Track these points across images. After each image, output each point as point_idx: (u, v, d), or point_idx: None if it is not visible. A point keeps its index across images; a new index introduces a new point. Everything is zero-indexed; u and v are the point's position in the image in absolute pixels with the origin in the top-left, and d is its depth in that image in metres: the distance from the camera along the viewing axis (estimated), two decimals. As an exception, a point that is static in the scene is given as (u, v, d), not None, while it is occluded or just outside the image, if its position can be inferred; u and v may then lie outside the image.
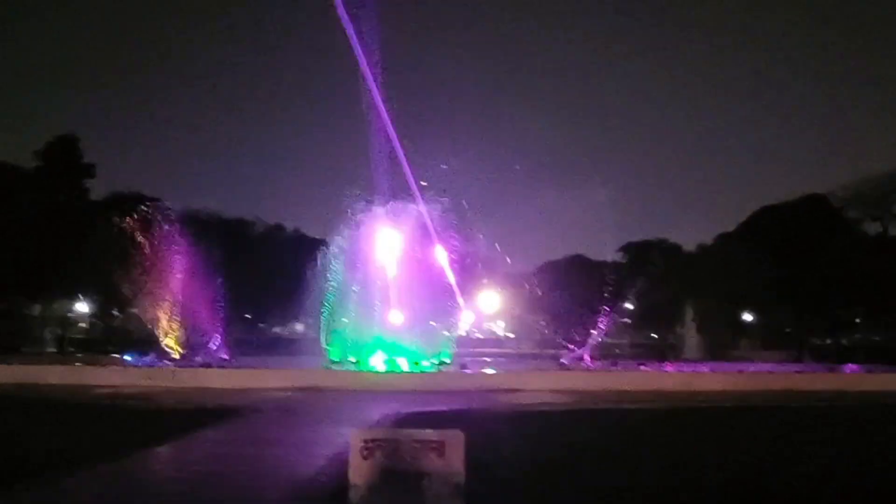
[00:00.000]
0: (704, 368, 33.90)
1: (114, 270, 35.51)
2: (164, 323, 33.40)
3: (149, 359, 32.28)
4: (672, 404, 22.57)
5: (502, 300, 58.26)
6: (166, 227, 34.08)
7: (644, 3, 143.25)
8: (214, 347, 33.64)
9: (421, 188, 33.55)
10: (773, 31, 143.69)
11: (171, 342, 33.24)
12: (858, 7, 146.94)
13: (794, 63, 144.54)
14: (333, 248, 34.85)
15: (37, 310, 55.37)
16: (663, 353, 48.84)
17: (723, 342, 52.57)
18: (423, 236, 34.68)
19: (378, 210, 34.36)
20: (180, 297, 33.46)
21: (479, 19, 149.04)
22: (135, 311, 40.29)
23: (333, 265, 34.36)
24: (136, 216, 34.36)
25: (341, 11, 29.55)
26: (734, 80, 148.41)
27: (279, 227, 64.87)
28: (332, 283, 34.22)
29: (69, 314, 59.55)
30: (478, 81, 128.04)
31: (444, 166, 33.50)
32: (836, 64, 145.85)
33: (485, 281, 46.98)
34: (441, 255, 34.44)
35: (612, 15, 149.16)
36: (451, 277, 34.11)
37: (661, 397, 24.97)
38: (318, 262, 34.95)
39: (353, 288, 34.27)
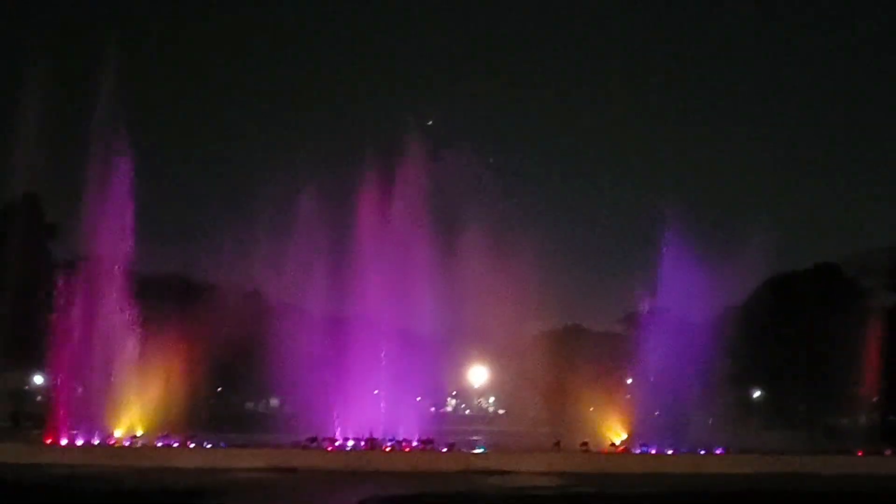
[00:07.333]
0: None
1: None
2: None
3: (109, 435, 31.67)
4: (677, 489, 22.64)
5: (493, 374, 57.92)
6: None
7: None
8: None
9: None
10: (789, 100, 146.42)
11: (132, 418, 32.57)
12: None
13: (804, 125, 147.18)
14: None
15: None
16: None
17: (730, 422, 52.02)
18: None
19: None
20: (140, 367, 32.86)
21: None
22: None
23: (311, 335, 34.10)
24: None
25: None
26: (746, 144, 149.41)
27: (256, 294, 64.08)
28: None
29: (26, 388, 58.35)
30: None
31: None
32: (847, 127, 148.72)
33: (475, 353, 46.65)
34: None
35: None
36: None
37: (665, 481, 24.99)
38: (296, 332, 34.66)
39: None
